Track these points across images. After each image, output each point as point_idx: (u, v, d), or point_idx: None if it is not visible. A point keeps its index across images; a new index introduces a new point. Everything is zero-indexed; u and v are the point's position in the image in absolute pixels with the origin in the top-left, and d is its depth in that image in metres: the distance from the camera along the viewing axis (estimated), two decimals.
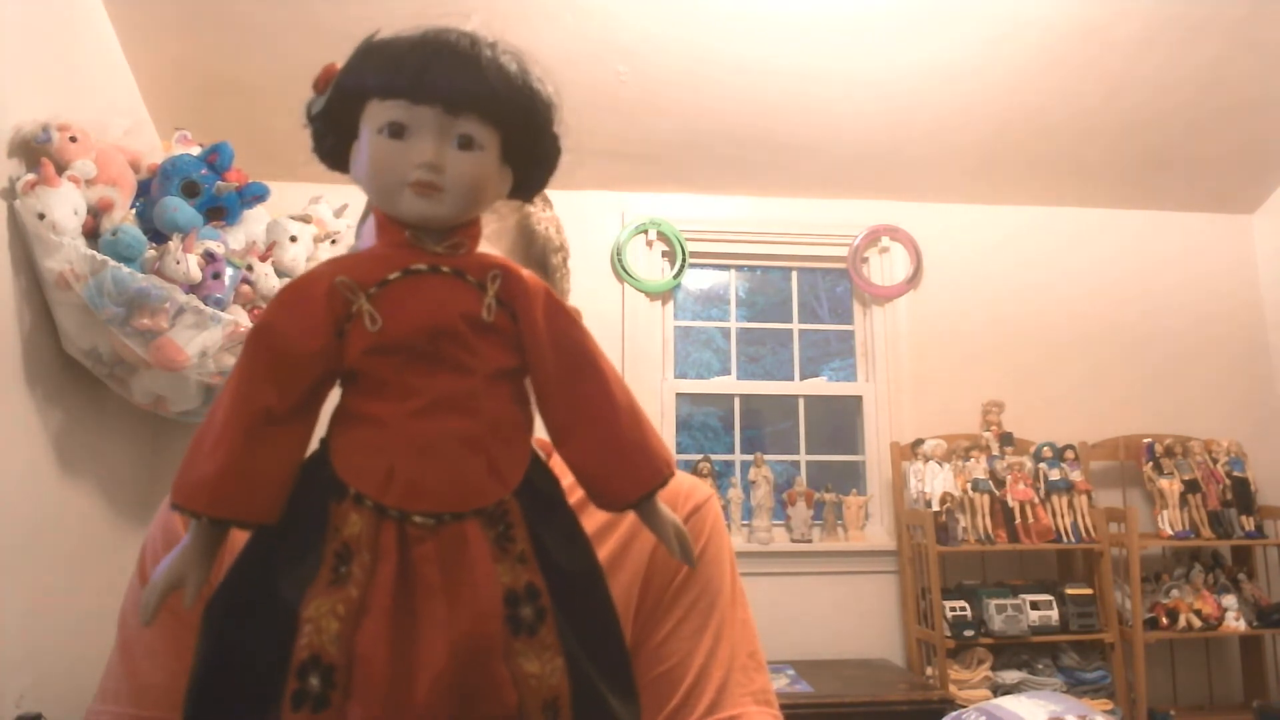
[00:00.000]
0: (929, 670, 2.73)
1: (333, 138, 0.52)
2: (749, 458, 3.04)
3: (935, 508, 2.78)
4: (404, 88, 0.48)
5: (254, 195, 2.10)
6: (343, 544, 0.47)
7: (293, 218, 2.30)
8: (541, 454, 0.53)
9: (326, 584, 0.46)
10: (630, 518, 0.76)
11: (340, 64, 0.51)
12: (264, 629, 0.46)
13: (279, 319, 0.49)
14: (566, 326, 0.52)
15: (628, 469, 0.52)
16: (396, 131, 0.49)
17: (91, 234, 1.86)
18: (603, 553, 0.76)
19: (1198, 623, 2.77)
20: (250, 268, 2.11)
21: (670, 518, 0.54)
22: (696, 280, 3.28)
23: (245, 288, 2.09)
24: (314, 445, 0.51)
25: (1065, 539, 2.82)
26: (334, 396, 0.52)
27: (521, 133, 0.51)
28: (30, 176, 1.76)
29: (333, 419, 0.51)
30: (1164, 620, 2.77)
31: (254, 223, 2.18)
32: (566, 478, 0.53)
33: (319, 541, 0.47)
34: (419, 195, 0.49)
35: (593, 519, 0.76)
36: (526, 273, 0.52)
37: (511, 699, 0.46)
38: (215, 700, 0.46)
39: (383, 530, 0.47)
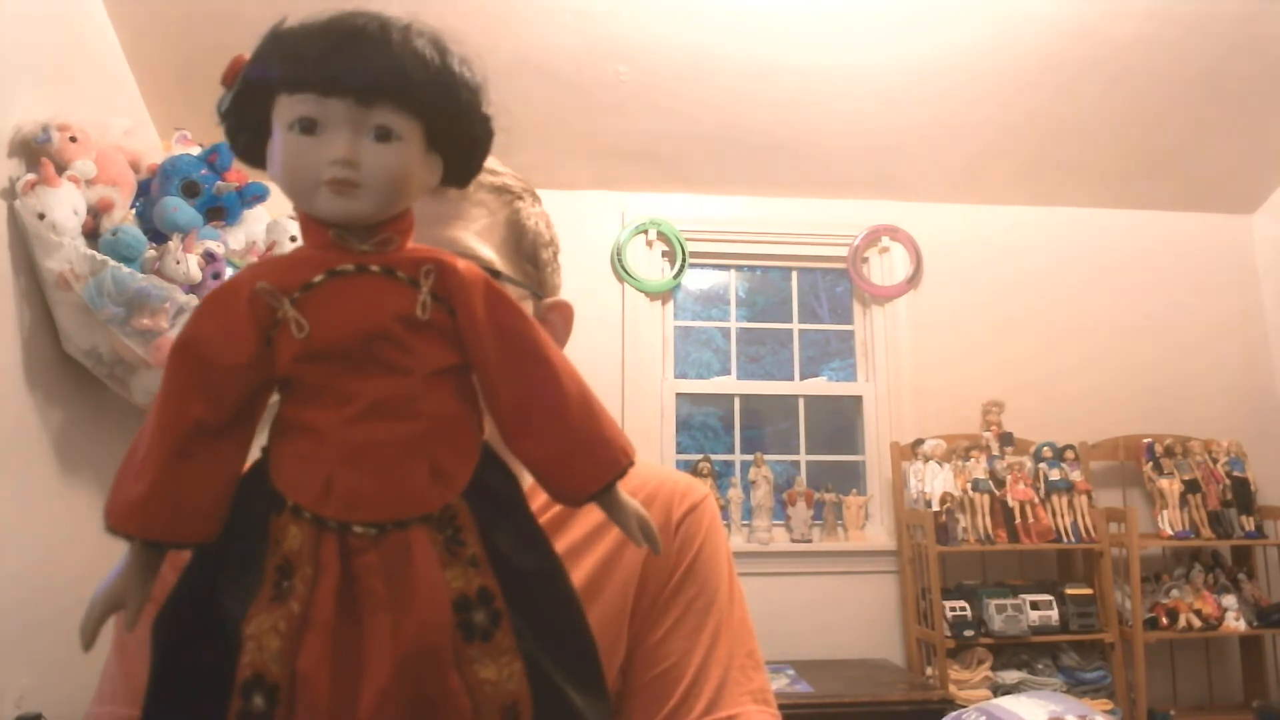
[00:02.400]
0: (929, 670, 2.73)
1: (246, 134, 0.49)
2: (749, 458, 3.04)
3: (935, 508, 2.78)
4: (311, 80, 0.45)
5: (254, 195, 2.11)
6: (284, 558, 0.45)
7: (292, 218, 2.29)
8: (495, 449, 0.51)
9: (268, 600, 0.44)
10: None
11: (249, 54, 0.48)
12: (209, 647, 0.45)
13: (202, 329, 0.48)
14: (508, 318, 0.50)
15: (582, 462, 0.50)
16: (308, 127, 0.46)
17: (91, 234, 1.86)
18: (596, 555, 0.76)
19: (1198, 623, 2.77)
20: None
21: (633, 507, 0.52)
22: (696, 280, 3.28)
23: None
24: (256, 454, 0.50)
25: (1065, 539, 2.82)
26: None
27: (444, 119, 0.48)
28: (30, 176, 1.76)
29: (271, 428, 0.49)
30: (1164, 620, 2.77)
31: (254, 223, 2.18)
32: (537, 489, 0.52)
33: (261, 556, 0.46)
34: (335, 193, 0.46)
35: (586, 521, 0.76)
36: (463, 263, 0.50)
37: (465, 707, 0.45)
38: (168, 718, 0.45)
39: (323, 542, 0.45)
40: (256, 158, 0.50)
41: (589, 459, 0.50)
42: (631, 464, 0.51)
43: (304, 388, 0.48)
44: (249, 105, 0.48)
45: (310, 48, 0.46)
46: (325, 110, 0.46)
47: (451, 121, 0.49)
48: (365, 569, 0.45)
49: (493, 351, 0.49)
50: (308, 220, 0.49)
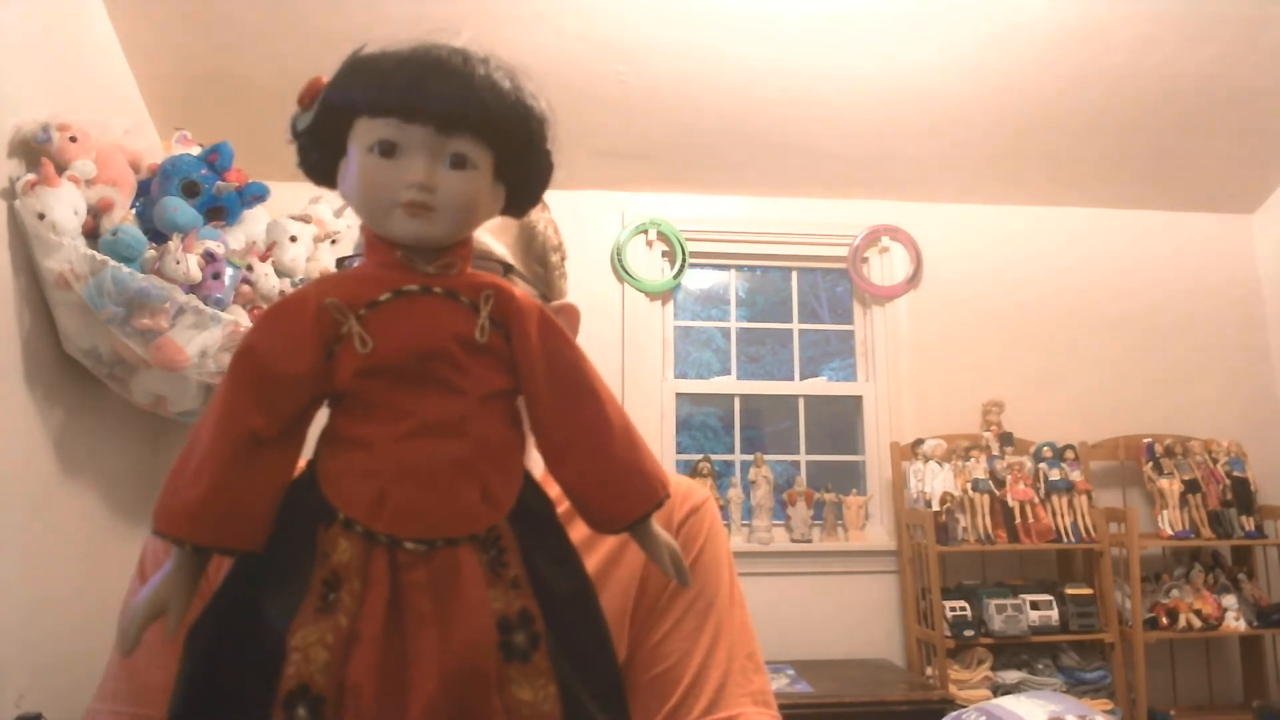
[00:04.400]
0: (929, 670, 2.73)
1: (319, 153, 0.51)
2: (749, 458, 3.04)
3: (935, 508, 2.78)
4: (394, 105, 0.47)
5: (254, 195, 2.10)
6: (331, 570, 0.46)
7: (293, 218, 2.30)
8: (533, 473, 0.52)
9: (314, 611, 0.45)
10: None
11: (327, 77, 0.50)
12: (249, 657, 0.45)
13: (266, 340, 0.48)
14: (561, 347, 0.51)
15: (622, 492, 0.51)
16: (387, 150, 0.47)
17: (91, 234, 1.86)
18: (599, 554, 0.76)
19: (1198, 623, 2.77)
20: (250, 268, 2.11)
21: (665, 539, 0.53)
22: (696, 280, 3.28)
23: (245, 288, 2.09)
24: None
25: (1065, 539, 2.82)
26: (320, 417, 0.51)
27: (515, 151, 0.50)
28: (30, 176, 1.76)
29: (320, 441, 0.50)
30: (1164, 620, 2.77)
31: (254, 223, 2.17)
32: (553, 488, 0.53)
33: (306, 567, 0.46)
34: (411, 216, 0.48)
35: None
36: (519, 291, 0.51)
37: None
38: None
39: (373, 557, 0.46)
40: (324, 176, 0.51)
41: (627, 490, 0.52)
42: (668, 497, 0.53)
43: (359, 402, 0.48)
44: (324, 126, 0.49)
45: (395, 75, 0.47)
46: (405, 135, 0.47)
47: (521, 153, 0.50)
48: (413, 585, 0.46)
49: (543, 379, 0.51)
50: (375, 240, 0.50)
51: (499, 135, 0.49)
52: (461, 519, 0.47)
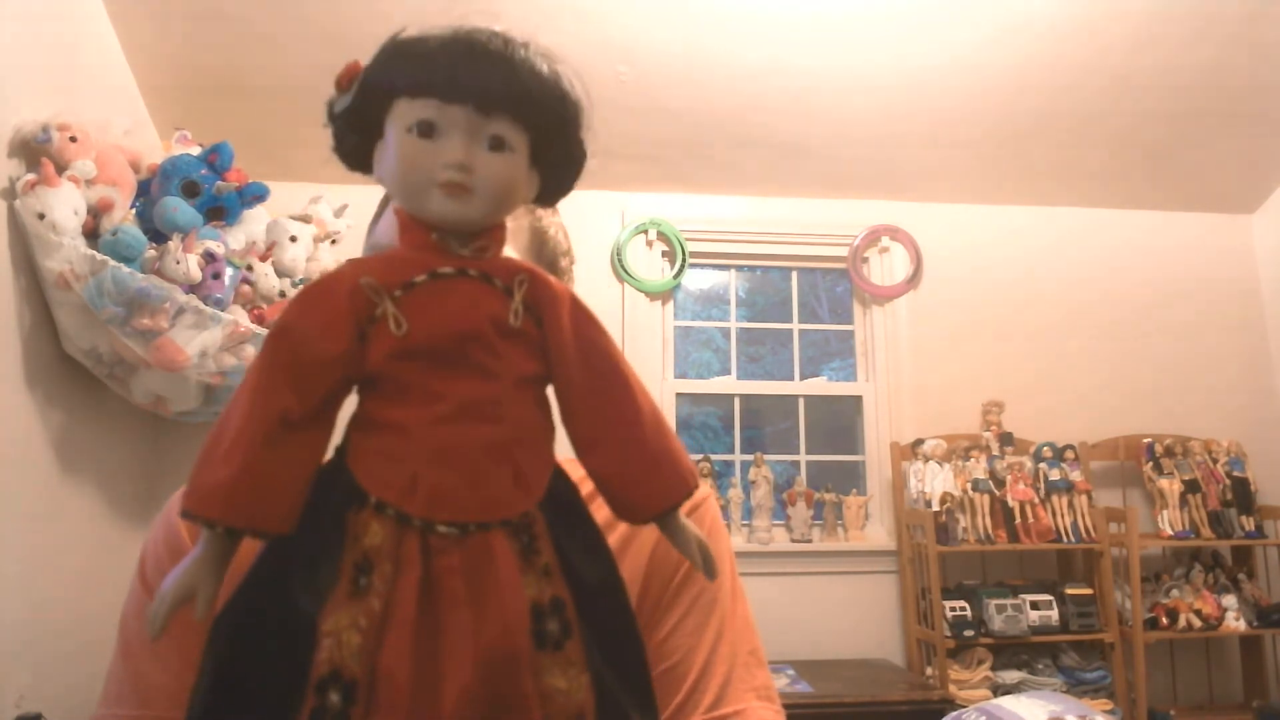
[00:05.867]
0: (929, 670, 2.73)
1: (355, 137, 0.51)
2: (749, 458, 3.04)
3: (935, 508, 2.78)
4: (435, 86, 0.47)
5: (254, 195, 2.11)
6: (362, 554, 0.45)
7: (293, 218, 2.30)
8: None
9: (346, 596, 0.44)
10: None
11: (364, 62, 0.50)
12: (278, 643, 0.44)
13: (300, 320, 0.48)
14: (593, 334, 0.51)
15: (652, 481, 0.51)
16: (426, 130, 0.48)
17: (91, 234, 1.86)
18: None
19: (1198, 623, 2.77)
20: (250, 268, 2.11)
21: (693, 530, 0.52)
22: (696, 280, 3.28)
23: (245, 288, 2.09)
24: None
25: (1065, 539, 2.82)
26: (349, 404, 0.50)
27: (551, 135, 0.50)
28: (30, 176, 1.76)
29: (350, 425, 0.49)
30: (1164, 620, 2.77)
31: (254, 223, 2.18)
32: (585, 484, 0.52)
33: (336, 552, 0.45)
34: (448, 196, 0.48)
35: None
36: (554, 279, 0.51)
37: (537, 716, 0.45)
38: (222, 718, 0.44)
39: (405, 540, 0.45)
40: (359, 161, 0.51)
41: (658, 479, 0.51)
42: (697, 487, 0.52)
43: (392, 385, 0.48)
44: (361, 109, 0.50)
45: (437, 56, 0.48)
46: (445, 116, 0.47)
47: (557, 138, 0.51)
48: (446, 569, 0.45)
49: (575, 365, 0.50)
50: (410, 221, 0.50)
51: (537, 119, 0.49)
52: (495, 503, 0.47)
